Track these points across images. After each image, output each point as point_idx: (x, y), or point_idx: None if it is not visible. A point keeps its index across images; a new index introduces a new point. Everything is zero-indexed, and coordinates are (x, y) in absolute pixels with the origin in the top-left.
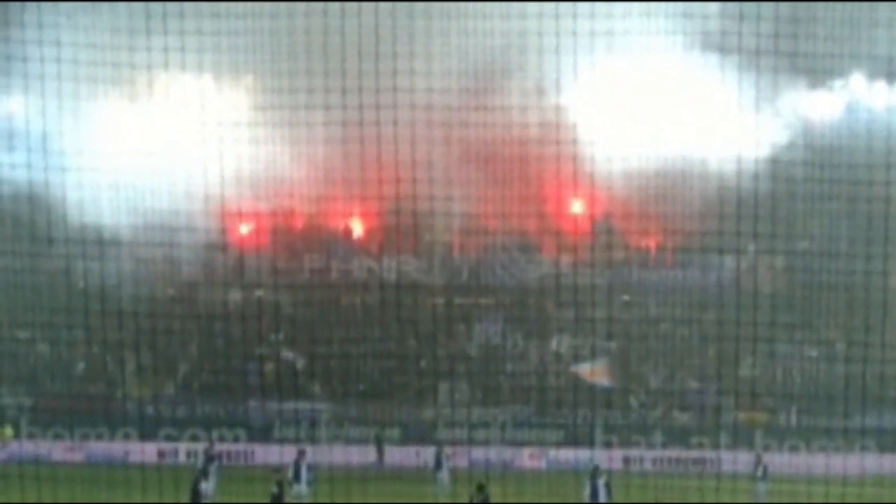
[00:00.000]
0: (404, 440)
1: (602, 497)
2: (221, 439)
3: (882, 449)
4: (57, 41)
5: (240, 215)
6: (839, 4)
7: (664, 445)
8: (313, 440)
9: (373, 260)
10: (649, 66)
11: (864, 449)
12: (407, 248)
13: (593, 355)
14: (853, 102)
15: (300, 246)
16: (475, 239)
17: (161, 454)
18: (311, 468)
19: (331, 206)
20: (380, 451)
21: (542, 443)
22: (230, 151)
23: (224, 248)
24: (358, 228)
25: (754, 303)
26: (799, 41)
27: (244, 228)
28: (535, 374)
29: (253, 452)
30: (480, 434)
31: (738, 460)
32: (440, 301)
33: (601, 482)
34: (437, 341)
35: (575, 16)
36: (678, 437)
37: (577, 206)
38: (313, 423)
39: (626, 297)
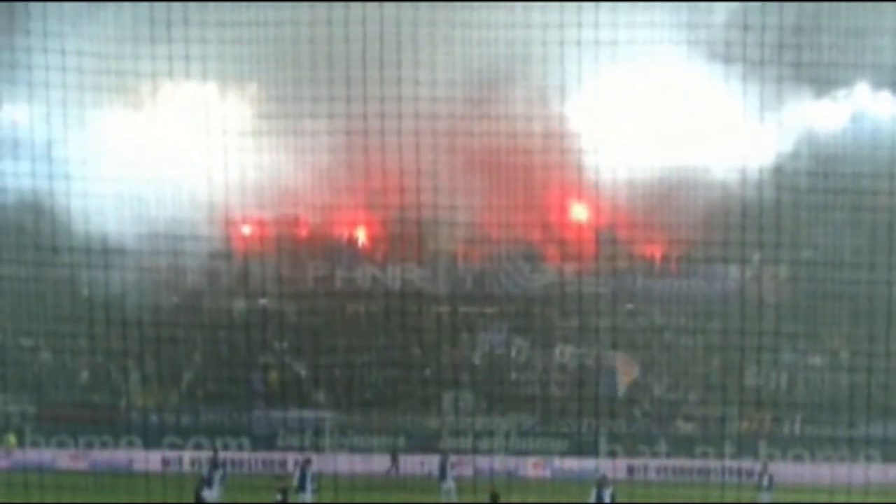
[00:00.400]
0: (409, 449)
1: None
2: (225, 447)
3: (886, 459)
4: (61, 49)
5: (244, 224)
6: (844, 14)
7: (668, 455)
8: (317, 449)
9: (377, 268)
10: (654, 76)
11: (868, 458)
12: (411, 257)
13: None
14: (858, 112)
15: (304, 254)
16: (479, 248)
17: (165, 462)
18: (315, 477)
19: (335, 214)
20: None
21: (546, 452)
22: (234, 160)
23: (228, 256)
24: (362, 237)
25: (759, 312)
26: (803, 51)
27: (248, 237)
28: (540, 383)
29: (257, 461)
30: (485, 443)
31: (742, 469)
32: (444, 310)
33: (607, 492)
34: (441, 350)
35: (580, 25)
36: (682, 446)
37: (581, 215)
38: (317, 432)
39: (630, 307)
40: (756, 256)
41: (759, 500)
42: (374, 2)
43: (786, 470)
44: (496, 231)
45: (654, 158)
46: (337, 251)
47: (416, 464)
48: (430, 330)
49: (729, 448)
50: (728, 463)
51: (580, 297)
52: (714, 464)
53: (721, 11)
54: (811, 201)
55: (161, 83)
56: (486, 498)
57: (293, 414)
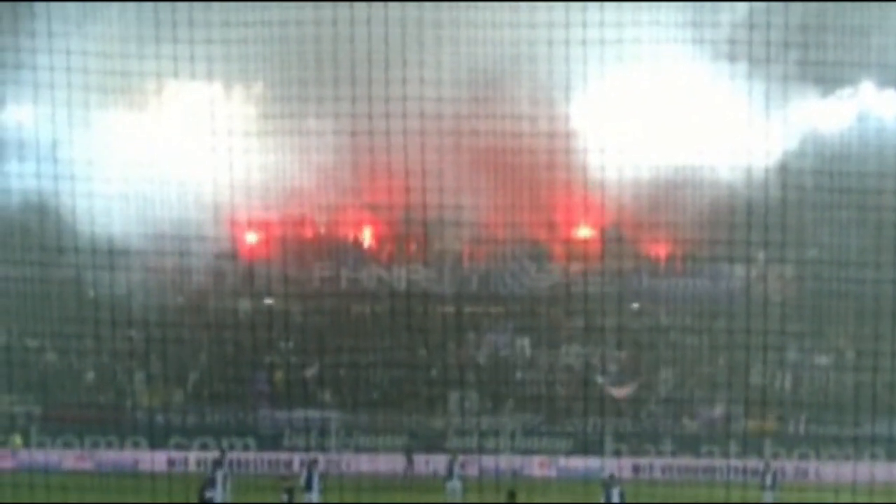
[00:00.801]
0: (414, 449)
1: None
2: (231, 448)
3: (891, 457)
4: (66, 50)
5: (249, 224)
6: (849, 13)
7: (674, 454)
8: (323, 449)
9: (383, 269)
10: (659, 75)
11: (873, 457)
12: (417, 257)
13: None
14: (863, 111)
15: (310, 255)
16: (485, 248)
17: (171, 463)
18: (322, 477)
19: (340, 214)
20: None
21: (552, 451)
22: (240, 160)
23: (234, 256)
24: (368, 237)
25: (764, 311)
26: (809, 50)
27: (254, 237)
28: (545, 382)
29: (263, 461)
30: (490, 443)
31: (747, 468)
32: (450, 310)
33: (615, 491)
34: (446, 350)
35: (584, 25)
36: (688, 445)
37: (586, 215)
38: (323, 432)
39: (635, 306)
40: (761, 255)
41: (763, 500)
42: (380, 1)
43: (791, 468)
44: (502, 231)
45: (659, 158)
46: (342, 251)
47: (421, 463)
48: (436, 330)
49: (734, 447)
50: (733, 462)
51: (586, 296)
52: (719, 463)
53: (726, 10)
54: (817, 200)
55: (166, 83)
56: (492, 497)
57: (299, 414)
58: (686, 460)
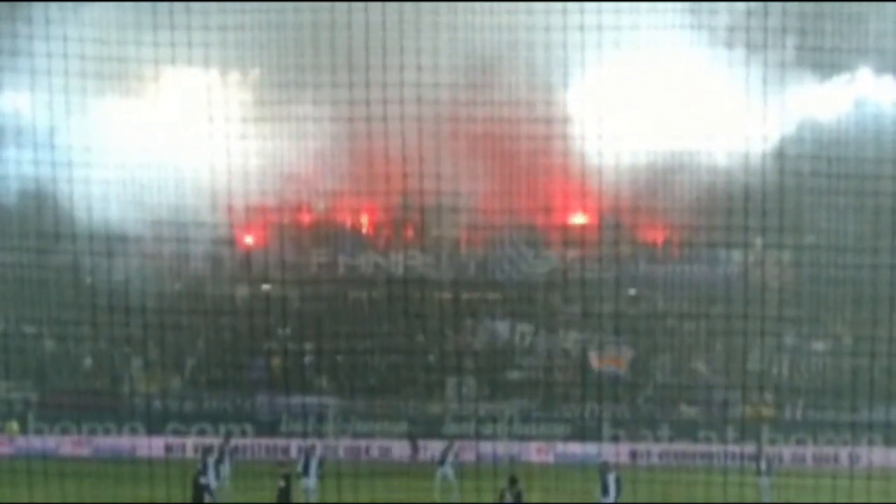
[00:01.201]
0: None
1: (612, 492)
2: (229, 434)
3: (889, 443)
4: (63, 36)
5: (247, 210)
6: None
7: (671, 439)
8: (321, 435)
9: (380, 255)
10: (656, 61)
11: (871, 443)
12: (414, 243)
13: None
14: (861, 97)
15: (307, 241)
16: (482, 234)
17: (168, 448)
18: (320, 463)
19: (338, 200)
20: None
21: (549, 437)
22: (237, 146)
23: (231, 243)
24: (365, 223)
25: (762, 297)
26: (806, 35)
27: (251, 223)
28: (543, 368)
29: (260, 447)
30: (488, 428)
31: (745, 454)
32: (447, 296)
33: (611, 477)
34: (444, 336)
35: (582, 11)
36: (685, 431)
37: (584, 201)
38: (321, 418)
39: (633, 292)
40: (759, 241)
41: (759, 485)
42: None
43: (788, 454)
44: (499, 217)
45: (656, 143)
46: (340, 237)
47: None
48: (433, 316)
49: (732, 433)
50: (731, 447)
51: (583, 282)
52: (717, 448)
53: None
54: (814, 186)
55: (163, 69)
56: (489, 484)
57: (296, 400)
58: (683, 446)
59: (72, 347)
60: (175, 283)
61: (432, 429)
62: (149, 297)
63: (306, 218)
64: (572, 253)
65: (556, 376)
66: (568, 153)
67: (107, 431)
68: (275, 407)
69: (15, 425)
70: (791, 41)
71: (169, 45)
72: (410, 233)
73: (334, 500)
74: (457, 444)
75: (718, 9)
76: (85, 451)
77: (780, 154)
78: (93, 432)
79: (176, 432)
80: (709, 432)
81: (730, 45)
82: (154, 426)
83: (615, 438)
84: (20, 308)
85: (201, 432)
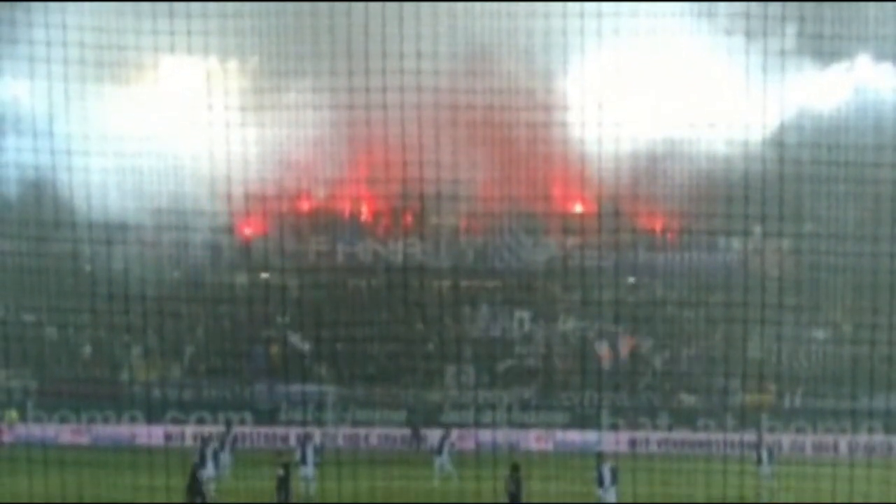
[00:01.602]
0: (411, 423)
1: (608, 482)
2: (229, 423)
3: (889, 430)
4: (62, 24)
5: (246, 199)
6: None
7: (670, 428)
8: (320, 423)
9: (379, 243)
10: (656, 48)
11: (870, 431)
12: (413, 231)
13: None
14: (860, 84)
15: (306, 229)
16: (481, 222)
17: (167, 437)
18: (318, 451)
19: (337, 188)
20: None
21: (548, 425)
22: (236, 134)
23: (230, 231)
24: (364, 211)
25: (761, 285)
26: (806, 23)
27: (250, 212)
28: (542, 356)
29: (259, 435)
30: (487, 416)
31: (744, 442)
32: (446, 284)
33: (606, 467)
34: (443, 324)
35: None
36: (684, 419)
37: (583, 189)
38: (320, 406)
39: (632, 280)
40: (758, 229)
41: (759, 474)
42: None
43: (788, 442)
44: (498, 205)
45: (656, 131)
46: (339, 225)
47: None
48: (432, 304)
49: (731, 421)
50: (730, 436)
51: (582, 270)
52: (716, 436)
53: None
54: (813, 173)
55: (162, 57)
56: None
57: (296, 388)
58: (682, 434)
59: (71, 336)
60: (174, 271)
61: (431, 417)
62: (148, 285)
63: (305, 206)
64: (571, 241)
65: (556, 364)
66: (567, 141)
67: (106, 420)
68: (274, 395)
69: (14, 413)
70: (791, 29)
71: (168, 33)
72: (409, 221)
73: (334, 488)
74: (454, 433)
75: None
76: (84, 440)
77: (779, 142)
78: (92, 420)
79: (175, 420)
80: (708, 420)
81: (729, 32)
82: (153, 414)
83: (614, 426)
84: (20, 296)
85: (200, 420)
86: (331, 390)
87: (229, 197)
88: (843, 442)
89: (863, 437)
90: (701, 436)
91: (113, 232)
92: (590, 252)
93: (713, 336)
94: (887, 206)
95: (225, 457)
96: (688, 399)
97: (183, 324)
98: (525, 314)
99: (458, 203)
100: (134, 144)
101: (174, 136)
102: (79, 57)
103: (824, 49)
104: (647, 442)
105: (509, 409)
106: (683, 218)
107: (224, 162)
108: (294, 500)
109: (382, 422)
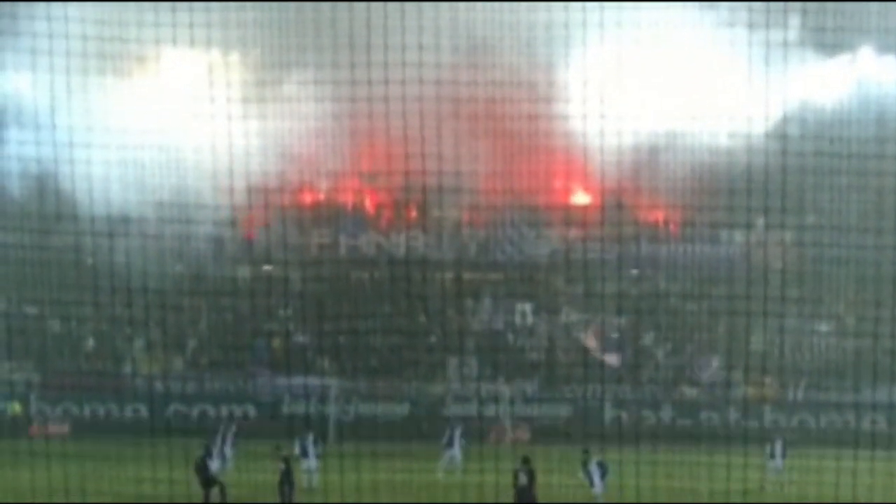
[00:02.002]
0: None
1: (597, 476)
2: (232, 416)
3: (892, 424)
4: (64, 16)
5: (249, 191)
6: None
7: (673, 420)
8: (323, 416)
9: (381, 235)
10: (659, 40)
11: (874, 423)
12: (416, 224)
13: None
14: (863, 76)
15: (309, 221)
16: (484, 214)
17: (170, 429)
18: (315, 443)
19: (339, 181)
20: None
21: (551, 418)
22: (238, 127)
23: (233, 224)
24: (367, 204)
25: (764, 277)
26: (808, 15)
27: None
28: (545, 349)
29: (262, 428)
30: (489, 409)
31: (747, 434)
32: (449, 276)
33: (594, 463)
34: (446, 317)
35: None
36: (687, 411)
37: (585, 182)
38: (322, 399)
39: (635, 272)
40: (761, 221)
41: (766, 468)
42: None
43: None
44: (500, 198)
45: (658, 123)
46: (341, 218)
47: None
48: (435, 297)
49: (734, 413)
50: (733, 428)
51: (585, 262)
52: (719, 429)
53: None
54: (816, 166)
55: (164, 49)
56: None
57: (298, 381)
58: (685, 426)
59: (74, 328)
60: (176, 264)
61: (434, 410)
62: (150, 278)
63: (307, 198)
64: (574, 233)
65: (559, 357)
66: (569, 133)
67: (108, 412)
68: (276, 388)
69: (17, 406)
70: (793, 21)
71: (170, 24)
72: (412, 213)
73: (336, 481)
74: (461, 426)
75: None
76: (86, 432)
77: (781, 134)
78: (95, 413)
79: (178, 413)
80: (711, 413)
81: (732, 24)
82: (156, 407)
83: (617, 419)
84: (22, 289)
85: (203, 413)
86: (333, 383)
87: (231, 189)
88: (846, 434)
89: (866, 430)
90: (704, 429)
91: (115, 225)
92: (592, 245)
93: (716, 329)
94: (890, 198)
95: (227, 450)
96: (690, 391)
97: (185, 317)
98: (527, 307)
99: (461, 196)
100: (136, 137)
101: (176, 128)
102: (81, 49)
103: (827, 41)
104: (650, 434)
105: (512, 401)
106: (686, 210)
107: (226, 154)
108: (298, 493)
109: (385, 414)
